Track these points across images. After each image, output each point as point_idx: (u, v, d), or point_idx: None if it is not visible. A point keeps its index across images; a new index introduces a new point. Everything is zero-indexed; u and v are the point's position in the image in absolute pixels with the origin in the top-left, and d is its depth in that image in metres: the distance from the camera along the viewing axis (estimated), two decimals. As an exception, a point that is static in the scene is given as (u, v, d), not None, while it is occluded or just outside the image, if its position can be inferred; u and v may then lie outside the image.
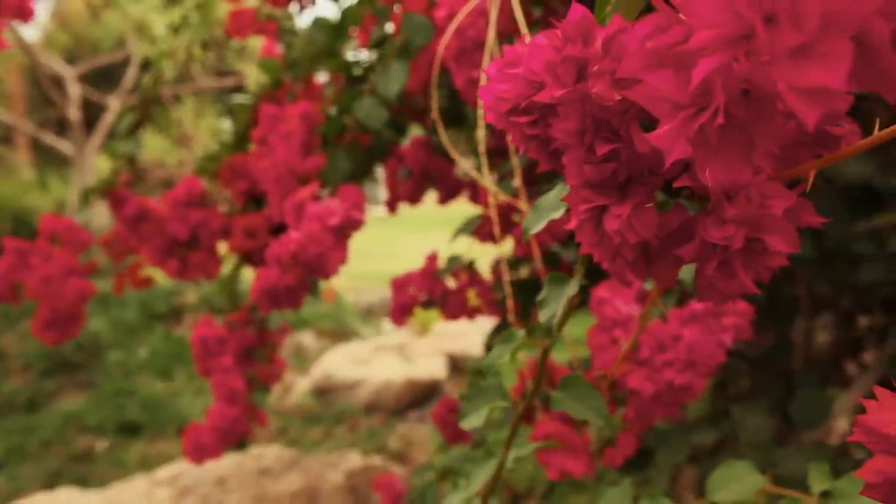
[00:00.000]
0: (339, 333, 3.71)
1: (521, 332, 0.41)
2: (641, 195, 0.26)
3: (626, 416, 0.62)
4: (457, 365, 3.14)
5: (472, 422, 0.44)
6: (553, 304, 0.37)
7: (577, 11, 0.24)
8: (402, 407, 2.76)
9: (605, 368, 0.59)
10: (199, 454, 1.10)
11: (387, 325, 4.12)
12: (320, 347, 3.44)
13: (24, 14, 0.85)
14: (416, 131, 1.27)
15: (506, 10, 0.64)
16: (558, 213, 0.35)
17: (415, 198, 1.23)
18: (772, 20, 0.16)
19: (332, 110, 1.00)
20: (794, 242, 0.24)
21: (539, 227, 0.35)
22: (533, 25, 0.77)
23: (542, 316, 0.36)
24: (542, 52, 0.25)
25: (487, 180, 0.64)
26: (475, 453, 0.49)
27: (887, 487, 0.19)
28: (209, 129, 6.10)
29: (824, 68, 0.16)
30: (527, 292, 0.89)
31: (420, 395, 2.84)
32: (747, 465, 0.44)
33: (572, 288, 0.36)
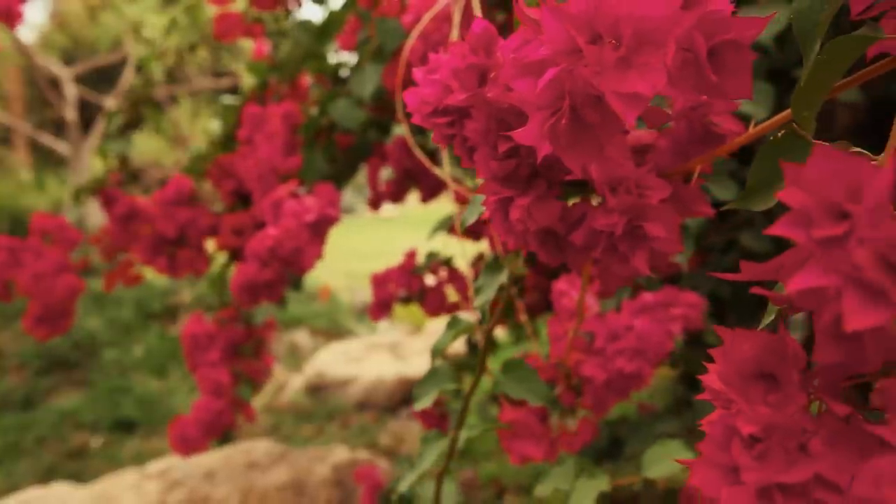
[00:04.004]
0: (333, 332, 3.74)
1: (465, 319, 0.44)
2: (542, 188, 0.29)
3: (583, 402, 0.65)
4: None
5: (423, 403, 0.47)
6: (488, 290, 0.40)
7: (480, 25, 0.27)
8: (393, 404, 2.79)
9: (560, 356, 0.62)
10: (185, 446, 1.13)
11: (381, 323, 4.15)
12: (315, 346, 3.47)
13: (12, 18, 0.87)
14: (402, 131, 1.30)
15: (469, 16, 0.67)
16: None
17: (397, 197, 1.26)
18: (599, 37, 0.19)
19: (314, 111, 1.03)
20: (673, 229, 0.27)
21: (473, 219, 0.38)
22: (497, 30, 0.80)
23: (477, 302, 0.39)
24: (452, 60, 0.28)
25: (449, 178, 0.67)
26: (431, 434, 0.52)
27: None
28: (205, 130, 6.12)
29: (640, 78, 0.19)
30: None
31: (412, 393, 2.87)
32: (679, 443, 0.47)
33: (504, 276, 0.39)
